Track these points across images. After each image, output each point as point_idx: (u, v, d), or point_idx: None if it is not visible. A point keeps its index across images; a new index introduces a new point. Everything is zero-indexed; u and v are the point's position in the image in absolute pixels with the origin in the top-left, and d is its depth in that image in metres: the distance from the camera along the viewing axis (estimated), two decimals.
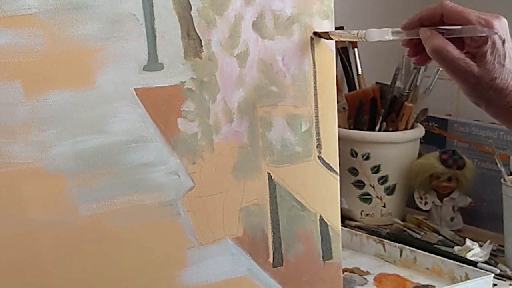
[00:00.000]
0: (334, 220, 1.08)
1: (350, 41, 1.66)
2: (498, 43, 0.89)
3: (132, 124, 0.92)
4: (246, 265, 1.01)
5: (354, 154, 1.51)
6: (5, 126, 0.84)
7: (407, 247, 1.34)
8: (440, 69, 1.56)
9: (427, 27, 0.91)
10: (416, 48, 0.93)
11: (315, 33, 1.03)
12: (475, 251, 1.35)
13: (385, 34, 0.94)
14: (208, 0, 0.95)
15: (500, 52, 0.89)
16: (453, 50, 0.89)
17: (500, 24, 0.89)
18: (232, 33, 0.98)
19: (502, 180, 1.37)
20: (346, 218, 1.51)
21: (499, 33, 0.88)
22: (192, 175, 0.96)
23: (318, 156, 1.06)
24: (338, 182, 1.08)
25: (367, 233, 1.42)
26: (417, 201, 1.56)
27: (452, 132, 1.67)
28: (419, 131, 1.56)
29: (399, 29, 0.93)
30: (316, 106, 1.05)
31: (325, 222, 1.07)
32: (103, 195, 0.90)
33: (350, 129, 1.55)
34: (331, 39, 1.03)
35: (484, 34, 0.87)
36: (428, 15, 0.91)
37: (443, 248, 1.37)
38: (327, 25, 1.05)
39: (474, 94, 0.92)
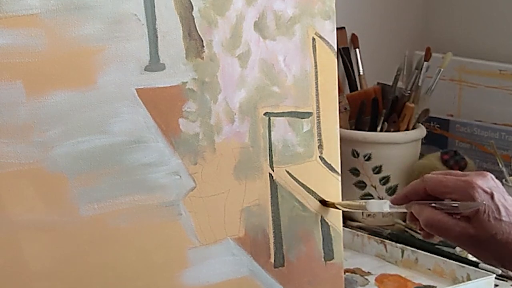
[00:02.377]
0: (336, 221, 1.08)
1: (352, 45, 1.66)
2: (486, 198, 0.87)
3: (133, 125, 0.92)
4: (247, 266, 1.01)
5: (355, 154, 1.51)
6: (7, 126, 0.84)
7: (409, 247, 1.34)
8: (442, 69, 1.56)
9: (418, 200, 0.92)
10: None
11: (322, 202, 1.06)
12: None
13: (383, 207, 0.98)
14: (209, 0, 0.95)
15: (492, 208, 0.87)
16: (445, 218, 0.89)
17: (484, 181, 0.88)
18: (233, 33, 0.98)
19: (503, 180, 1.37)
20: (347, 219, 1.51)
21: (483, 201, 0.87)
22: (193, 176, 0.96)
23: (319, 157, 1.06)
24: (340, 183, 1.08)
25: (368, 234, 1.42)
26: None
27: (453, 133, 1.67)
28: (421, 131, 1.55)
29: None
30: (318, 107, 1.05)
31: (327, 223, 1.07)
32: (104, 196, 0.90)
33: (351, 129, 1.54)
34: (337, 208, 1.07)
35: (477, 207, 0.87)
36: (413, 190, 0.93)
37: (445, 248, 1.37)
38: (328, 26, 1.05)
39: (481, 255, 0.91)
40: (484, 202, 0.87)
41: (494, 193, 0.88)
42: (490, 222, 0.87)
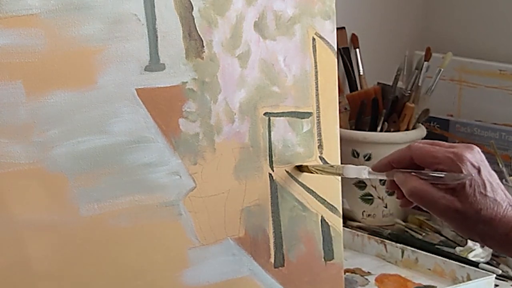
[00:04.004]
0: (336, 221, 1.08)
1: (352, 45, 1.66)
2: (473, 172, 0.86)
3: (133, 125, 0.92)
4: (247, 266, 1.01)
5: (355, 154, 1.51)
6: (7, 126, 0.84)
7: (409, 247, 1.34)
8: (442, 69, 1.56)
9: (400, 169, 0.91)
10: (401, 191, 0.92)
11: (298, 167, 1.04)
12: (477, 252, 1.35)
13: (362, 173, 0.96)
14: (209, 0, 0.95)
15: (479, 182, 0.86)
16: (431, 189, 0.87)
17: (472, 154, 0.88)
18: (233, 33, 0.98)
19: (503, 180, 1.37)
20: (347, 219, 1.51)
21: (475, 178, 0.86)
22: (193, 176, 0.96)
23: (319, 157, 1.06)
24: (340, 183, 1.08)
25: (368, 234, 1.42)
26: None
27: (453, 133, 1.67)
28: (421, 131, 1.55)
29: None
30: (318, 107, 1.05)
31: (327, 223, 1.07)
32: (104, 196, 0.90)
33: (351, 129, 1.55)
34: (311, 172, 1.04)
35: (464, 179, 0.86)
36: (398, 158, 0.91)
37: (445, 248, 1.37)
38: (328, 26, 1.05)
39: (465, 230, 0.89)
40: (472, 175, 0.86)
41: (481, 167, 0.87)
42: (475, 197, 0.86)
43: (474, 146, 0.89)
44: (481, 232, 0.88)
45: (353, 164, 1.51)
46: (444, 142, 0.92)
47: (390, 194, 1.53)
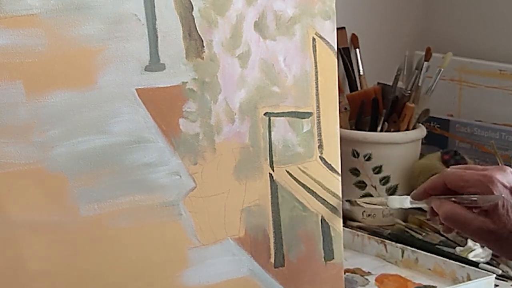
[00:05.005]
0: (336, 221, 1.08)
1: (353, 45, 1.66)
2: (505, 192, 0.88)
3: (133, 125, 0.92)
4: (247, 266, 1.01)
5: (355, 154, 1.51)
6: (7, 126, 0.84)
7: (409, 247, 1.34)
8: (442, 69, 1.56)
9: (437, 195, 0.93)
10: None
11: (347, 201, 1.09)
12: (477, 252, 1.35)
13: (404, 203, 1.00)
14: (209, 0, 0.95)
15: (511, 201, 0.88)
16: (464, 212, 0.89)
17: (503, 175, 0.89)
18: (233, 33, 0.98)
19: None
20: (347, 219, 1.51)
21: (502, 194, 0.87)
22: (193, 176, 0.96)
23: (319, 157, 1.06)
24: (340, 183, 1.08)
25: (368, 234, 1.42)
26: None
27: (453, 133, 1.67)
28: (421, 131, 1.55)
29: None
30: (318, 107, 1.05)
31: (327, 223, 1.07)
32: (104, 196, 0.90)
33: (351, 129, 1.54)
34: (360, 206, 1.10)
35: (496, 200, 0.87)
36: (433, 184, 0.94)
37: (445, 248, 1.37)
38: (328, 26, 1.05)
39: (502, 250, 0.91)
40: (503, 196, 0.87)
41: None
42: (508, 216, 0.87)
43: (507, 167, 0.91)
44: None
45: (353, 162, 1.52)
46: (478, 166, 0.93)
47: (390, 194, 1.53)
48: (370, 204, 1.09)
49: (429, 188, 0.94)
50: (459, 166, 0.95)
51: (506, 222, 0.87)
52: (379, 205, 1.08)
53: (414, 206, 0.99)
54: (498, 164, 1.45)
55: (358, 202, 1.07)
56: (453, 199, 0.90)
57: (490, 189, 0.87)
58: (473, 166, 0.93)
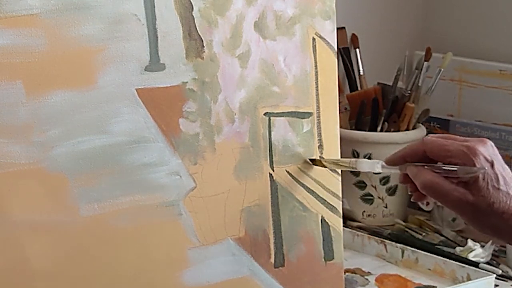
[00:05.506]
0: (336, 221, 1.08)
1: (353, 45, 1.66)
2: (486, 165, 0.87)
3: (133, 125, 0.92)
4: (247, 266, 1.01)
5: (355, 154, 1.51)
6: (7, 126, 0.84)
7: (409, 247, 1.34)
8: (442, 69, 1.56)
9: (414, 163, 0.91)
10: (414, 184, 0.93)
11: (311, 160, 1.05)
12: (477, 252, 1.35)
13: (375, 167, 0.97)
14: (209, 0, 0.95)
15: (492, 176, 0.87)
16: (443, 182, 0.87)
17: (485, 148, 0.88)
18: (233, 33, 0.98)
19: None
20: (347, 219, 1.51)
21: (488, 172, 0.86)
22: (193, 176, 0.96)
23: (319, 157, 1.06)
24: (340, 183, 1.08)
25: (368, 234, 1.42)
26: (419, 202, 1.56)
27: (453, 133, 1.67)
28: (421, 131, 1.55)
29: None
30: (318, 107, 1.05)
31: (327, 223, 1.07)
32: (104, 196, 0.90)
33: (351, 129, 1.55)
34: (325, 166, 1.05)
35: (477, 173, 0.86)
36: (411, 151, 0.92)
37: (445, 248, 1.37)
38: (329, 26, 1.05)
39: (476, 223, 0.89)
40: (486, 169, 0.86)
41: (494, 161, 0.88)
42: (488, 190, 0.86)
43: (487, 140, 0.89)
44: (493, 225, 0.88)
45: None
46: (457, 136, 0.92)
47: (391, 194, 1.54)
48: (337, 164, 1.05)
49: (407, 155, 0.92)
50: (439, 135, 0.92)
51: (486, 195, 0.86)
52: (346, 167, 1.03)
53: (385, 171, 0.96)
54: None
55: (324, 162, 1.03)
56: (431, 168, 0.89)
57: (472, 161, 0.86)
58: (454, 136, 0.91)
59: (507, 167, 0.89)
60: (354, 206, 1.54)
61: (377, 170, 0.97)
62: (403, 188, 1.54)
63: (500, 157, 0.89)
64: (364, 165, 1.00)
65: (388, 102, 1.54)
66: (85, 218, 0.89)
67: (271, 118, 1.02)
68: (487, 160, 0.87)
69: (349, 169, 1.04)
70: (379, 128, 1.54)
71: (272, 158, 1.02)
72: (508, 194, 0.87)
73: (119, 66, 0.90)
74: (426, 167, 0.89)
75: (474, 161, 0.87)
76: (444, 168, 0.88)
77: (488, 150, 0.88)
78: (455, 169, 0.87)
